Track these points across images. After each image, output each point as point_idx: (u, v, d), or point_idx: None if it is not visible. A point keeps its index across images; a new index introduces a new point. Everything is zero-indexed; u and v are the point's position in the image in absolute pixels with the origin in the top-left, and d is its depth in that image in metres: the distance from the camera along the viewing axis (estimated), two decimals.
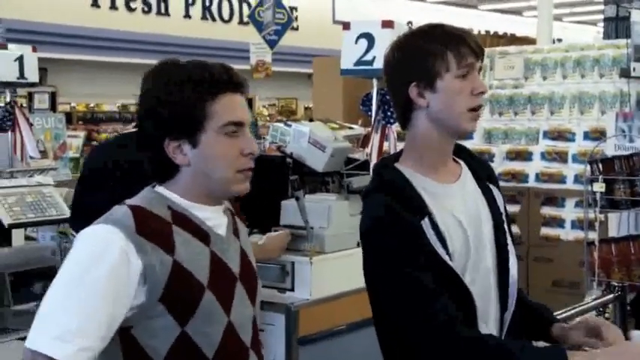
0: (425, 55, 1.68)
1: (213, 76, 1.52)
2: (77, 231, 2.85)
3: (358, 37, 3.24)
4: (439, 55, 1.68)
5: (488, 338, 1.61)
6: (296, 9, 14.47)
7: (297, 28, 14.45)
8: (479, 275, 1.70)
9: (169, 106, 1.50)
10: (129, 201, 1.54)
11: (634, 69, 4.68)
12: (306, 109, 13.89)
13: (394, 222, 1.63)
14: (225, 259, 1.56)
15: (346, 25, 3.36)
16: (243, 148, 1.53)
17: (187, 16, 13.84)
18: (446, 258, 1.62)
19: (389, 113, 3.30)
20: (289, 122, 3.50)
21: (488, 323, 1.71)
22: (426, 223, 1.64)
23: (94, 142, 8.37)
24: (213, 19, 14.22)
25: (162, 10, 13.56)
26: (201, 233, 1.54)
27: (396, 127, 3.36)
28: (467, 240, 1.70)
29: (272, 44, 8.10)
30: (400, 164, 1.74)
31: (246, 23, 13.95)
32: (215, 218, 1.58)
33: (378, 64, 3.19)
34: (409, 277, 1.60)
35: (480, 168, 1.83)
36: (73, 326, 1.38)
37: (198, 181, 1.54)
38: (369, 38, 3.21)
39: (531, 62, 5.12)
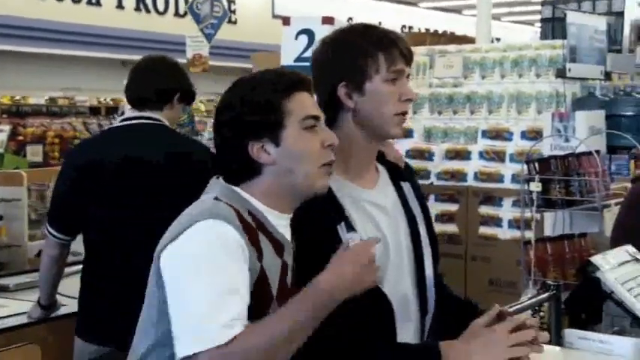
0: (356, 54, 1.66)
1: (283, 77, 1.61)
2: (59, 231, 2.75)
3: (298, 33, 3.17)
4: (370, 56, 1.65)
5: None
6: (234, 2, 14.32)
7: (235, 22, 14.29)
8: (398, 280, 1.70)
9: (250, 107, 1.58)
10: (219, 196, 1.54)
11: (569, 69, 4.76)
12: None
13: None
14: (290, 271, 1.61)
15: (286, 21, 3.29)
16: (324, 140, 1.59)
17: (120, 6, 13.47)
18: None
19: None
20: None
21: (409, 327, 1.71)
22: (342, 228, 1.62)
23: (20, 137, 8.05)
24: (148, 11, 13.89)
25: (93, 1, 13.15)
26: (276, 242, 1.58)
27: None
28: (387, 245, 1.69)
29: (209, 38, 7.96)
30: None
31: (182, 15, 13.72)
32: (286, 226, 1.62)
33: None
34: None
35: (394, 168, 1.82)
36: (221, 308, 1.42)
37: (280, 180, 1.58)
38: (310, 34, 3.15)
39: (470, 61, 5.14)
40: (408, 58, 1.69)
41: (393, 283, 1.69)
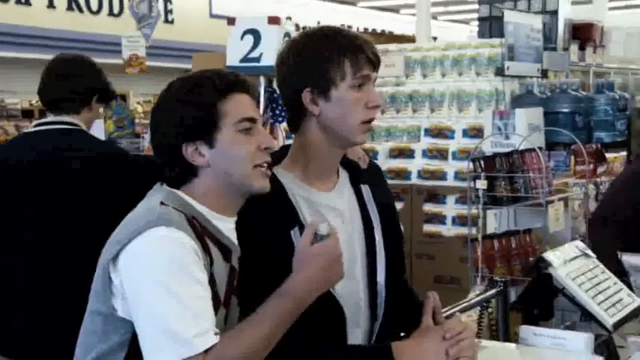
0: (321, 60, 1.63)
1: (222, 78, 1.58)
2: None
3: (244, 33, 3.12)
4: (336, 63, 1.62)
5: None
6: (170, 1, 14.08)
7: (172, 22, 14.06)
8: (349, 284, 1.67)
9: (183, 109, 1.55)
10: (165, 200, 1.50)
11: (508, 68, 4.85)
12: None
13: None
14: (237, 274, 1.60)
15: (231, 21, 3.24)
16: (260, 142, 1.58)
17: (51, 6, 13.03)
18: None
19: (277, 112, 3.21)
20: None
21: (359, 331, 1.70)
22: (295, 233, 1.60)
23: None
24: (81, 11, 13.46)
25: (23, 0, 12.71)
26: (223, 247, 1.57)
27: (284, 126, 3.28)
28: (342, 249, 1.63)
29: (147, 38, 7.81)
30: (283, 168, 1.69)
31: (117, 15, 13.41)
32: (231, 230, 1.60)
33: (265, 60, 3.09)
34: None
35: (354, 170, 1.78)
36: (196, 318, 1.41)
37: (217, 182, 1.57)
38: (255, 34, 3.11)
39: (411, 60, 5.18)
40: (375, 63, 1.66)
41: (344, 287, 1.66)
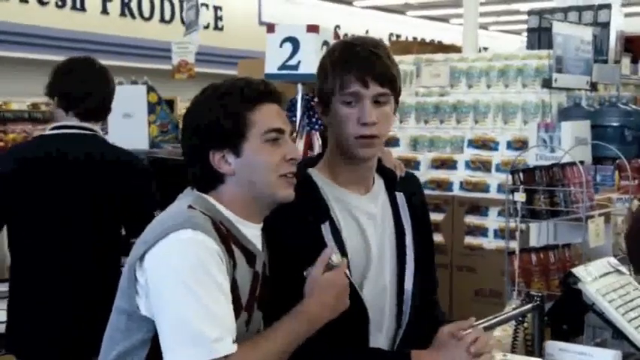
0: (321, 76, 1.71)
1: (251, 88, 1.60)
2: None
3: (283, 41, 3.16)
4: (329, 78, 1.68)
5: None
6: (221, 9, 14.27)
7: (222, 29, 14.25)
8: (376, 289, 1.70)
9: (212, 118, 1.58)
10: (193, 204, 1.54)
11: (555, 80, 4.77)
12: None
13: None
14: (261, 280, 1.61)
15: (270, 28, 3.27)
16: (286, 153, 1.60)
17: (105, 12, 13.36)
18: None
19: (314, 119, 3.22)
20: None
21: (381, 336, 1.71)
22: (326, 227, 1.63)
23: (0, 143, 7.96)
24: (133, 17, 13.79)
25: (78, 5, 13.04)
26: (248, 252, 1.58)
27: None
28: (369, 252, 1.69)
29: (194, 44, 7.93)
30: (317, 170, 1.74)
31: (168, 21, 13.67)
32: (257, 236, 1.62)
33: (303, 68, 3.11)
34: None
35: (390, 178, 1.82)
36: (216, 321, 1.45)
37: (243, 190, 1.59)
38: (294, 42, 3.13)
39: (457, 70, 5.14)
40: (364, 82, 1.67)
41: (371, 291, 1.69)
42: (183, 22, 8.51)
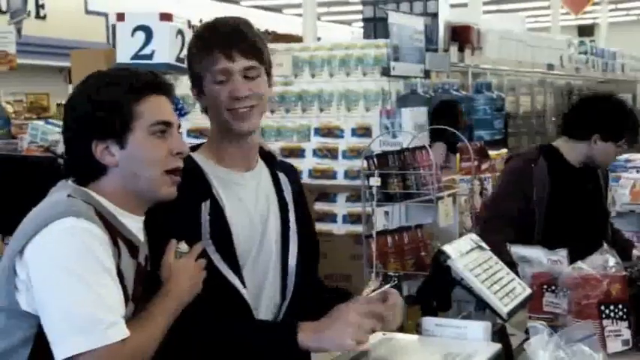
0: (190, 58, 1.76)
1: (138, 78, 1.56)
2: None
3: (134, 30, 3.03)
4: (197, 61, 1.72)
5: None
6: None
7: (44, 17, 13.41)
8: (258, 264, 1.76)
9: (96, 107, 1.52)
10: (72, 194, 1.47)
11: (393, 68, 4.98)
12: (58, 105, 12.95)
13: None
14: (144, 271, 1.60)
15: (120, 17, 3.13)
16: (173, 148, 1.57)
17: None
18: (215, 255, 1.67)
19: (176, 108, 3.14)
20: (51, 120, 3.21)
21: (260, 311, 1.76)
22: (205, 206, 1.67)
23: None
24: None
25: None
26: (130, 243, 1.55)
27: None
28: (253, 228, 1.74)
29: (19, 33, 7.41)
30: (199, 152, 1.77)
31: None
32: (139, 229, 1.59)
33: (158, 57, 3.02)
34: None
35: (270, 158, 1.88)
36: (108, 307, 1.43)
37: (126, 182, 1.55)
38: (147, 31, 3.02)
39: (299, 60, 5.20)
40: (235, 55, 1.71)
41: (252, 268, 1.73)
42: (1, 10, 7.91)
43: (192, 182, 1.67)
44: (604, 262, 2.11)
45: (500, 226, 2.85)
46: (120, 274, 1.50)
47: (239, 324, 1.68)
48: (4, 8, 7.93)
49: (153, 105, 1.56)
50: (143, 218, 1.62)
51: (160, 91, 1.59)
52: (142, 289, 1.59)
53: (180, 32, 3.13)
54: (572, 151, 2.96)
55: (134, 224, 1.58)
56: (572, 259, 2.23)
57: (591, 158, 2.96)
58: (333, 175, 4.89)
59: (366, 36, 5.87)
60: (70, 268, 1.42)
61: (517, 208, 2.89)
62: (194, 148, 1.80)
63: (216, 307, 1.66)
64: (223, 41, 1.68)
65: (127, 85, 1.54)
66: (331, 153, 4.92)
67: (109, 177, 1.56)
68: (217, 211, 1.68)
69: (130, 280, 1.55)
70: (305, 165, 4.94)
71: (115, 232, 1.52)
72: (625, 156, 4.27)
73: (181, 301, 1.59)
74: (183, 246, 1.64)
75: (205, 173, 1.72)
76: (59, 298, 1.41)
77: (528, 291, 2.14)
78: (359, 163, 3.83)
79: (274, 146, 4.99)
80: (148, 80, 1.57)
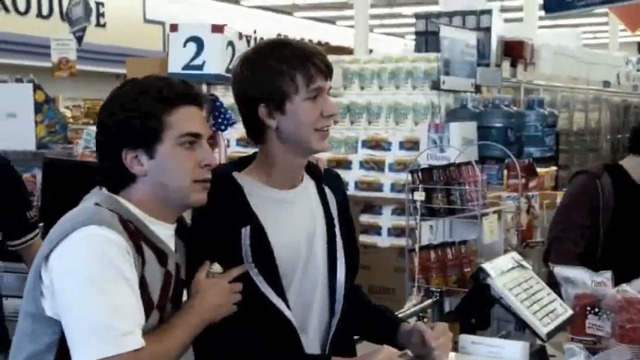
0: (273, 75, 1.66)
1: (171, 88, 1.55)
2: None
3: (187, 41, 3.10)
4: (287, 77, 1.65)
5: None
6: (103, 4, 13.79)
7: (104, 26, 13.77)
8: (306, 283, 1.73)
9: (126, 116, 1.53)
10: (100, 202, 1.49)
11: (443, 82, 4.96)
12: None
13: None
14: (175, 281, 1.60)
15: (174, 27, 3.21)
16: (201, 159, 1.57)
17: None
18: (258, 278, 1.65)
19: (219, 120, 3.19)
20: None
21: (309, 332, 1.73)
22: (245, 232, 1.64)
23: None
24: (7, 11, 13.04)
25: None
26: (159, 251, 1.56)
27: (227, 134, 3.28)
28: (298, 248, 1.71)
29: (80, 41, 7.63)
30: (244, 174, 1.74)
31: (46, 17, 13.03)
32: (170, 236, 1.60)
33: (208, 68, 3.08)
34: None
35: (326, 177, 1.84)
36: (123, 315, 1.43)
37: (155, 191, 1.56)
38: (198, 42, 3.09)
39: (349, 72, 5.23)
40: (326, 73, 1.70)
41: (299, 286, 1.72)
42: (63, 17, 8.14)
43: (232, 206, 1.67)
44: None
45: (567, 238, 2.81)
46: (144, 283, 1.51)
47: (274, 353, 1.68)
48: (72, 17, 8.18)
49: (183, 116, 1.55)
50: (174, 226, 1.62)
51: (192, 102, 1.58)
52: (172, 299, 1.60)
53: (230, 44, 3.19)
54: (637, 168, 2.91)
55: (164, 232, 1.59)
56: (624, 281, 2.19)
57: None
58: (379, 187, 4.89)
59: (418, 49, 5.86)
60: (88, 276, 1.43)
61: (582, 222, 2.85)
62: (238, 165, 1.76)
63: (260, 330, 1.65)
64: (318, 61, 1.67)
65: (158, 95, 1.54)
66: (378, 165, 4.93)
67: (138, 185, 1.57)
68: (259, 235, 1.66)
69: (156, 288, 1.55)
70: (351, 177, 4.96)
71: (141, 239, 1.52)
72: None
73: (203, 318, 1.58)
74: (216, 267, 1.64)
75: (247, 195, 1.70)
76: (77, 305, 1.43)
77: (569, 312, 2.11)
78: (405, 177, 3.82)
79: (321, 158, 5.03)
80: (180, 91, 1.56)
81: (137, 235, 1.51)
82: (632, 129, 3.07)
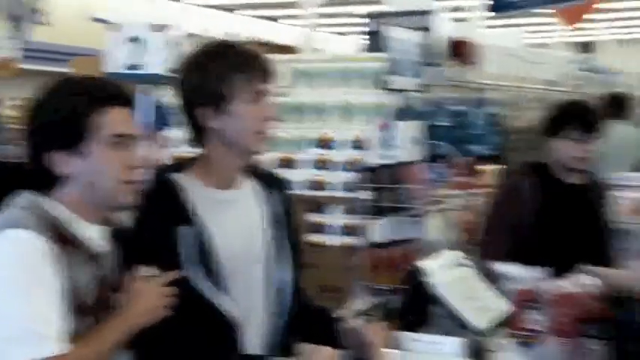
0: (214, 79, 1.68)
1: (101, 89, 1.55)
2: None
3: (127, 40, 3.06)
4: (228, 81, 1.68)
5: None
6: (47, 1, 13.50)
7: (48, 23, 13.47)
8: (249, 282, 1.75)
9: (56, 116, 1.52)
10: (25, 205, 1.48)
11: (390, 81, 4.98)
12: None
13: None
14: (108, 283, 1.59)
15: (113, 27, 3.16)
16: (131, 161, 1.57)
17: None
18: (199, 277, 1.65)
19: (160, 118, 3.16)
20: None
21: (251, 332, 1.75)
22: (183, 231, 1.66)
23: None
24: None
25: None
26: (89, 254, 1.55)
27: (175, 134, 3.24)
28: (241, 247, 1.74)
29: (21, 40, 7.46)
30: (184, 174, 1.75)
31: None
32: (100, 237, 1.59)
33: (150, 68, 3.05)
34: None
35: (268, 179, 1.87)
36: (48, 321, 1.42)
37: (84, 192, 1.56)
38: (139, 41, 3.04)
39: (298, 71, 5.21)
40: (267, 77, 1.72)
41: (242, 285, 1.72)
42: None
43: (172, 207, 1.67)
44: (582, 280, 2.12)
45: (498, 237, 2.86)
46: (72, 286, 1.49)
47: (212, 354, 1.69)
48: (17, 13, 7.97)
49: (113, 117, 1.55)
50: (107, 227, 1.62)
51: (122, 104, 1.58)
52: (106, 302, 1.58)
53: (174, 43, 3.16)
54: (557, 152, 2.94)
55: (95, 233, 1.58)
56: (560, 276, 2.24)
57: (559, 161, 2.94)
58: (328, 186, 4.89)
59: (370, 49, 5.87)
60: (9, 279, 1.42)
61: (511, 221, 2.90)
62: (180, 167, 1.78)
63: (200, 330, 1.66)
64: (260, 64, 1.69)
65: (87, 96, 1.53)
66: (327, 165, 4.92)
67: (69, 186, 1.56)
68: (200, 236, 1.67)
69: (87, 289, 1.54)
70: (301, 176, 4.94)
71: (69, 241, 1.51)
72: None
73: (134, 323, 1.57)
74: (150, 270, 1.64)
75: (187, 196, 1.70)
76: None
77: (509, 307, 2.15)
78: (354, 176, 3.84)
79: (269, 157, 5.00)
80: (110, 92, 1.56)
81: (65, 238, 1.50)
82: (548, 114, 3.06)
